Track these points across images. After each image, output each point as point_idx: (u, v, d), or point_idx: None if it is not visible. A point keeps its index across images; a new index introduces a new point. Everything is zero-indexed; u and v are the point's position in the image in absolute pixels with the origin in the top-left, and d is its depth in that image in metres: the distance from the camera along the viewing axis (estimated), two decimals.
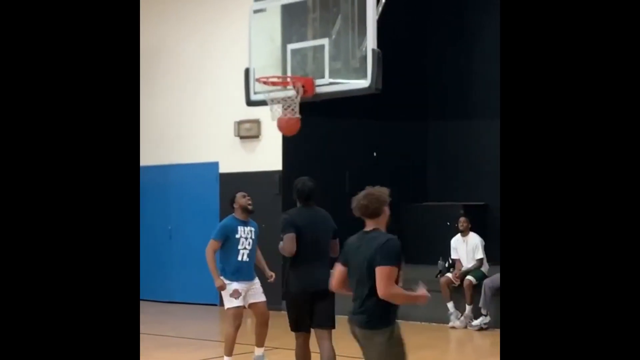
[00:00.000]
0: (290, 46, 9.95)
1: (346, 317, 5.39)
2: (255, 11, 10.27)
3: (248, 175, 13.70)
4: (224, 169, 14.25)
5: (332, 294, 6.69)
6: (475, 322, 11.47)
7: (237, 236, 8.33)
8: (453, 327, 11.58)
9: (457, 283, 11.73)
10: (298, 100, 9.47)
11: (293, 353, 7.25)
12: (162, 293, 14.70)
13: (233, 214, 8.57)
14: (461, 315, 11.64)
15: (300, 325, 7.05)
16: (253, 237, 8.45)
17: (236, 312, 8.27)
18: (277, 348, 9.27)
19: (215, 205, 13.97)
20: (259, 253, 8.62)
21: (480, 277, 11.64)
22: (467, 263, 11.91)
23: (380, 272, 5.12)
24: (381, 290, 5.10)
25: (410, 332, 11.59)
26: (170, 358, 9.75)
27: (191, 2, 14.74)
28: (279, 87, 9.86)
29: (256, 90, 10.18)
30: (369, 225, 5.38)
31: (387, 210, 5.40)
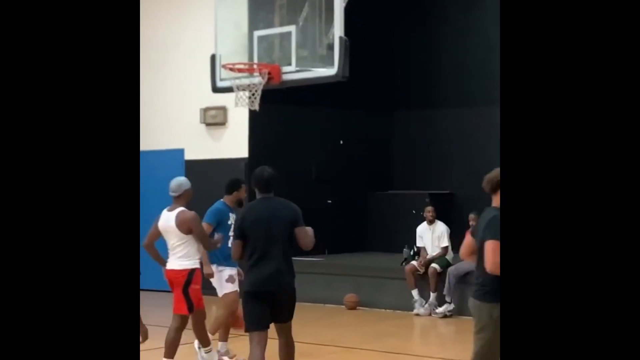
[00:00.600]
0: (257, 33, 9.91)
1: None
2: None
3: (214, 163, 13.64)
4: (189, 156, 14.17)
5: (293, 293, 6.62)
6: (439, 310, 11.54)
7: (230, 222, 8.28)
8: (417, 315, 11.64)
9: (422, 271, 11.78)
10: (261, 87, 9.45)
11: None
12: None
13: (223, 199, 8.45)
14: (425, 303, 11.70)
15: (258, 323, 6.65)
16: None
17: (234, 296, 8.23)
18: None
19: None
20: None
21: (445, 265, 11.71)
22: (432, 251, 11.97)
23: (487, 246, 5.41)
24: (488, 264, 5.37)
25: (375, 319, 11.73)
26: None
27: None
28: (245, 74, 9.83)
29: (222, 77, 10.12)
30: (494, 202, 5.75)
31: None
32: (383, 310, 12.03)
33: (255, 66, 9.68)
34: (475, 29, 14.12)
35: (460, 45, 14.47)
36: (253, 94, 9.66)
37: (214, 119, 13.79)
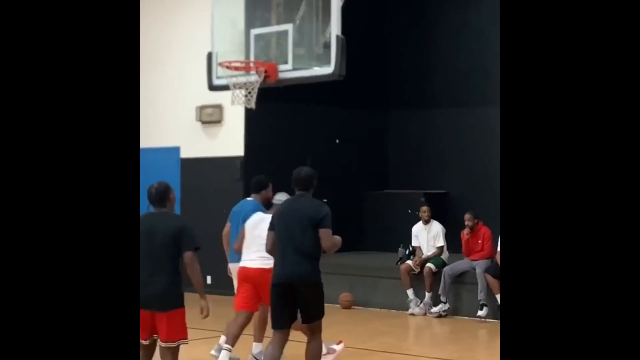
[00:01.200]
0: (254, 31, 9.91)
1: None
2: None
3: (209, 161, 13.63)
4: (185, 154, 14.15)
5: (309, 286, 6.67)
6: (434, 309, 11.54)
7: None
8: (412, 314, 11.64)
9: (417, 270, 11.78)
10: (257, 85, 9.44)
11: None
12: None
13: (255, 199, 8.36)
14: (420, 302, 11.70)
15: (275, 322, 6.78)
16: None
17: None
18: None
19: (176, 191, 13.85)
20: None
21: (440, 265, 11.71)
22: (428, 251, 11.97)
23: None
24: None
25: (370, 318, 11.71)
26: None
27: None
28: (241, 72, 9.82)
29: (219, 75, 10.12)
30: None
31: None
32: (378, 309, 12.03)
33: (251, 64, 9.67)
34: (471, 28, 14.11)
35: (456, 44, 14.46)
36: (249, 92, 9.65)
37: (210, 117, 13.77)
